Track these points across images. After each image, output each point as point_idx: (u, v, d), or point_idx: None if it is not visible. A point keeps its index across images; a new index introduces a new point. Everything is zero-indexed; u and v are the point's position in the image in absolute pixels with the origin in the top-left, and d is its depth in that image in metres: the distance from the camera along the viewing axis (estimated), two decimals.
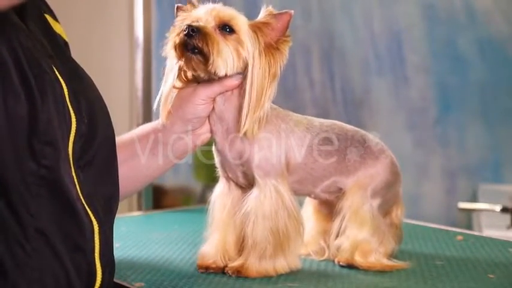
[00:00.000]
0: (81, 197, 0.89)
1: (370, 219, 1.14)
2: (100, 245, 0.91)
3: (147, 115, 1.90)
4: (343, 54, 2.49)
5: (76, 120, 0.90)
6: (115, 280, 1.04)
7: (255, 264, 1.10)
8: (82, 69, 1.01)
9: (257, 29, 1.08)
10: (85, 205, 0.89)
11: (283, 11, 1.08)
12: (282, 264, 1.11)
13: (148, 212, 1.83)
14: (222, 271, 1.12)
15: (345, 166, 1.15)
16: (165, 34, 1.10)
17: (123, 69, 2.34)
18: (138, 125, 1.91)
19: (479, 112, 2.34)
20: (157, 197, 2.25)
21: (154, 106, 1.14)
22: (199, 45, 1.04)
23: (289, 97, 2.47)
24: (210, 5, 1.09)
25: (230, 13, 1.08)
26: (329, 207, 1.20)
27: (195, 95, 1.11)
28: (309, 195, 1.21)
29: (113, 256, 0.97)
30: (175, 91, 1.13)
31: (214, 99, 1.11)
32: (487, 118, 2.33)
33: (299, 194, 1.18)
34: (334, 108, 2.48)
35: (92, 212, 0.90)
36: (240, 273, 1.10)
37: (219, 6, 1.09)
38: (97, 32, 2.35)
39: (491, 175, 2.33)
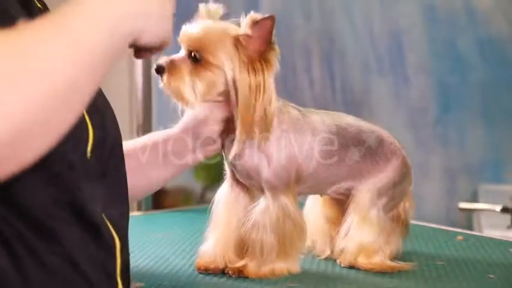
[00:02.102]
0: (103, 214, 0.86)
1: (377, 221, 1.14)
2: (121, 262, 0.88)
3: (147, 115, 1.90)
4: (343, 54, 2.49)
5: (93, 130, 0.86)
6: None
7: (256, 267, 1.10)
8: None
9: (238, 43, 1.04)
10: (106, 221, 0.86)
11: (266, 16, 1.04)
12: (281, 268, 1.11)
13: (148, 212, 1.83)
14: (220, 272, 1.12)
15: (357, 170, 1.15)
16: None
17: (123, 69, 2.34)
18: (138, 125, 1.92)
19: (479, 112, 2.34)
20: (157, 197, 2.25)
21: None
22: (164, 83, 1.05)
23: (289, 97, 2.46)
24: (186, 27, 1.06)
25: (198, 37, 1.05)
26: (335, 199, 1.21)
27: (208, 117, 1.11)
28: (320, 195, 1.21)
29: (130, 271, 0.96)
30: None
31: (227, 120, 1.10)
32: (487, 118, 2.33)
33: (311, 194, 1.20)
34: (334, 108, 2.48)
35: (113, 228, 0.87)
36: (241, 274, 1.10)
37: (192, 27, 1.06)
38: None
39: (491, 175, 2.33)
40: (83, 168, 0.83)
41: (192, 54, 1.05)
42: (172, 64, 1.05)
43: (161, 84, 1.07)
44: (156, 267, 1.17)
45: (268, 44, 1.05)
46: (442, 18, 2.36)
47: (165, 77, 1.05)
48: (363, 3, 2.46)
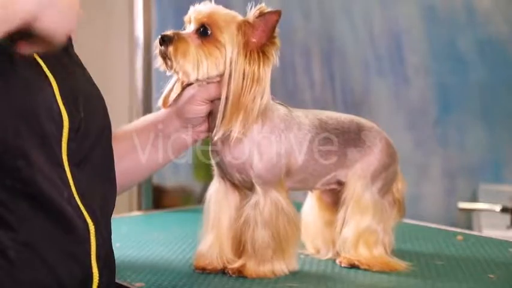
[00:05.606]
0: (76, 198, 0.88)
1: (372, 206, 1.15)
2: (96, 245, 0.89)
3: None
4: (343, 54, 2.48)
5: (68, 118, 0.88)
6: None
7: (255, 267, 1.10)
8: (81, 63, 1.00)
9: (242, 27, 1.06)
10: (80, 205, 0.88)
11: (273, 10, 1.06)
12: (281, 267, 1.11)
13: (148, 212, 1.83)
14: (218, 272, 1.12)
15: (345, 160, 1.16)
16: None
17: (123, 69, 2.34)
18: None
19: (479, 112, 2.34)
20: (157, 197, 2.25)
21: (159, 103, 1.15)
22: (168, 52, 1.05)
23: (289, 97, 2.47)
24: (195, 7, 1.09)
25: (209, 13, 1.07)
26: (331, 195, 1.21)
27: (193, 96, 1.11)
28: (310, 190, 1.22)
29: (113, 255, 0.97)
30: (176, 90, 1.13)
31: (212, 101, 1.11)
32: (487, 118, 2.33)
33: (300, 190, 1.20)
34: (334, 109, 2.48)
35: (88, 212, 0.89)
36: (240, 273, 1.10)
37: (202, 6, 1.08)
38: (97, 32, 2.35)
39: (491, 175, 2.33)
40: (48, 158, 0.85)
41: (201, 28, 1.06)
42: (179, 37, 1.06)
43: (160, 65, 1.07)
44: (156, 267, 1.17)
45: (269, 37, 1.06)
46: (441, 19, 2.36)
47: (170, 48, 1.05)
48: (363, 3, 2.46)
